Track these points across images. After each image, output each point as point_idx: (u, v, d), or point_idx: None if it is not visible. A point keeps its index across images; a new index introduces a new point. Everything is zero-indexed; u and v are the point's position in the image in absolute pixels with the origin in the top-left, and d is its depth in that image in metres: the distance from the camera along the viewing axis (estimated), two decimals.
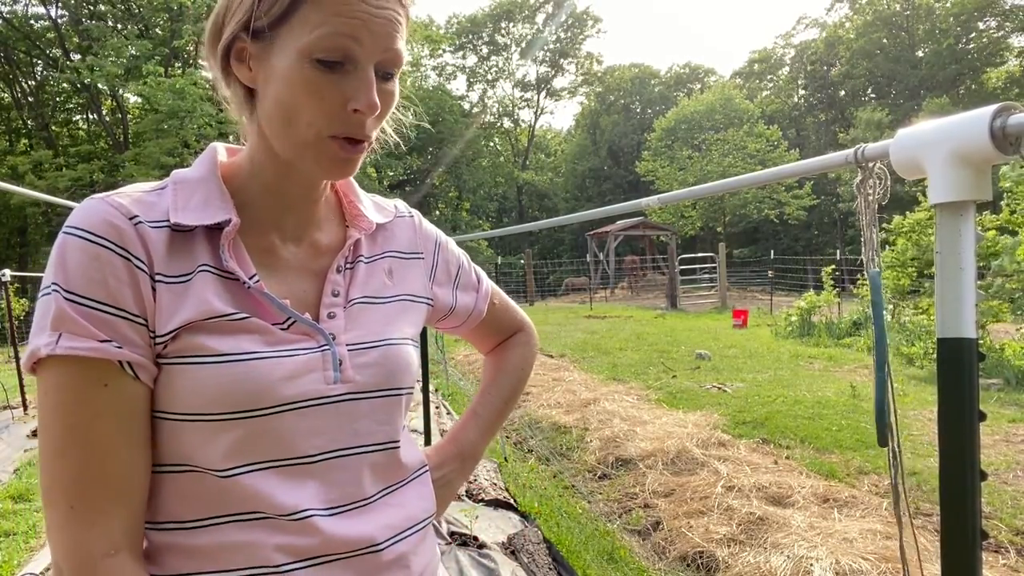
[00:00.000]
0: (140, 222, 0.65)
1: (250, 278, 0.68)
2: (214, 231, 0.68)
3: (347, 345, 0.72)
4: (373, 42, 0.65)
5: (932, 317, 8.54)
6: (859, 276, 11.55)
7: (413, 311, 0.83)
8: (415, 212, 0.92)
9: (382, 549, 0.73)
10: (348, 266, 0.78)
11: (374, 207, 0.84)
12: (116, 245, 0.62)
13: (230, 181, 0.72)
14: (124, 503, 0.63)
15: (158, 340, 0.64)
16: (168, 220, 0.66)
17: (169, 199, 0.68)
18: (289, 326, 0.69)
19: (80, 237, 0.62)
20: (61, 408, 0.61)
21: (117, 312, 0.62)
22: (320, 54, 0.63)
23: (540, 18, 43.91)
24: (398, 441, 0.77)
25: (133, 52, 22.18)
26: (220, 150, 0.76)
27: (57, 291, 0.61)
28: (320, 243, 0.77)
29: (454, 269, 0.93)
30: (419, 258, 0.87)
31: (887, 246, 9.33)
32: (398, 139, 0.85)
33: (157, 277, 0.64)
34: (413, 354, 0.79)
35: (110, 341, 0.61)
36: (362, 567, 0.71)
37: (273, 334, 0.67)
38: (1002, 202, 7.72)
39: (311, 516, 0.67)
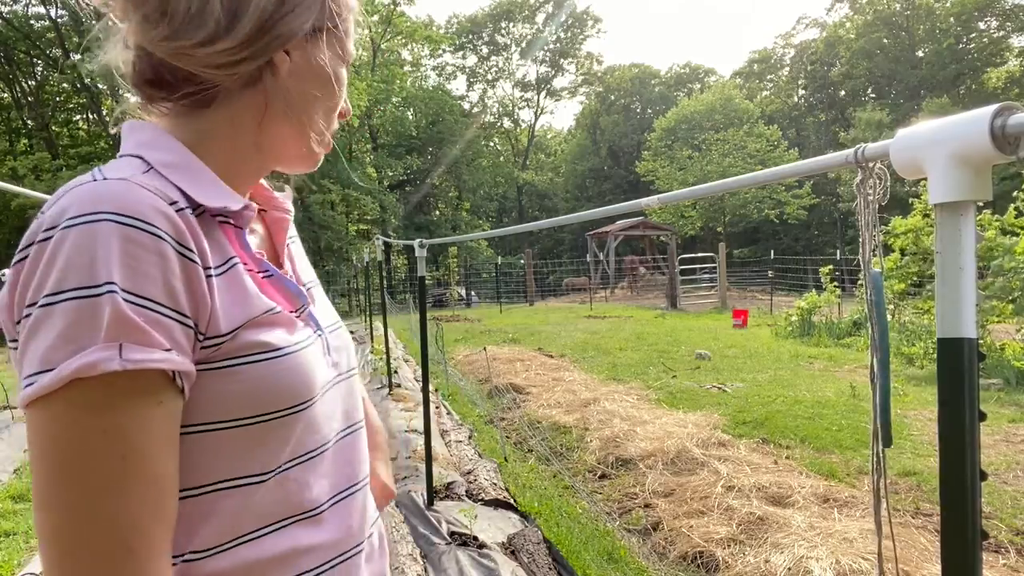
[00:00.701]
0: (181, 208, 0.57)
1: (271, 266, 0.68)
2: (219, 220, 0.63)
3: (325, 329, 0.73)
4: None
5: (931, 318, 8.54)
6: (859, 276, 11.55)
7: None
8: None
9: (377, 522, 0.76)
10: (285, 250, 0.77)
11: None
12: (169, 235, 0.54)
13: None
14: (171, 537, 0.55)
15: (211, 343, 0.57)
16: (189, 207, 0.59)
17: (171, 183, 0.60)
18: (301, 314, 0.69)
19: (133, 226, 0.52)
20: (113, 435, 0.50)
21: (173, 315, 0.54)
22: (351, 59, 0.71)
23: (540, 18, 43.99)
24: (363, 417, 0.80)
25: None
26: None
27: (114, 292, 0.50)
28: (256, 230, 0.74)
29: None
30: (296, 240, 0.86)
31: (889, 251, 9.33)
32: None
33: (209, 271, 0.58)
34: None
35: (171, 350, 0.53)
36: (376, 542, 0.74)
37: (295, 324, 0.66)
38: (1015, 202, 7.73)
39: (335, 503, 0.68)
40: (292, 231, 0.80)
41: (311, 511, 0.65)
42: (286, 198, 0.79)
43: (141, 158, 0.61)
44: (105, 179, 0.55)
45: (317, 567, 0.65)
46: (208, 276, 0.57)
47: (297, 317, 0.67)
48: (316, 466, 0.66)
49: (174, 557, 0.58)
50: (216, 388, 0.57)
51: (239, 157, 0.67)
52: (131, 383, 0.51)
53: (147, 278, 0.52)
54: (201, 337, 0.56)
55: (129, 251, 0.51)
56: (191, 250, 0.56)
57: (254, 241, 0.70)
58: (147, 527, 0.52)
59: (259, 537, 0.61)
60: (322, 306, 0.76)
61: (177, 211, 0.56)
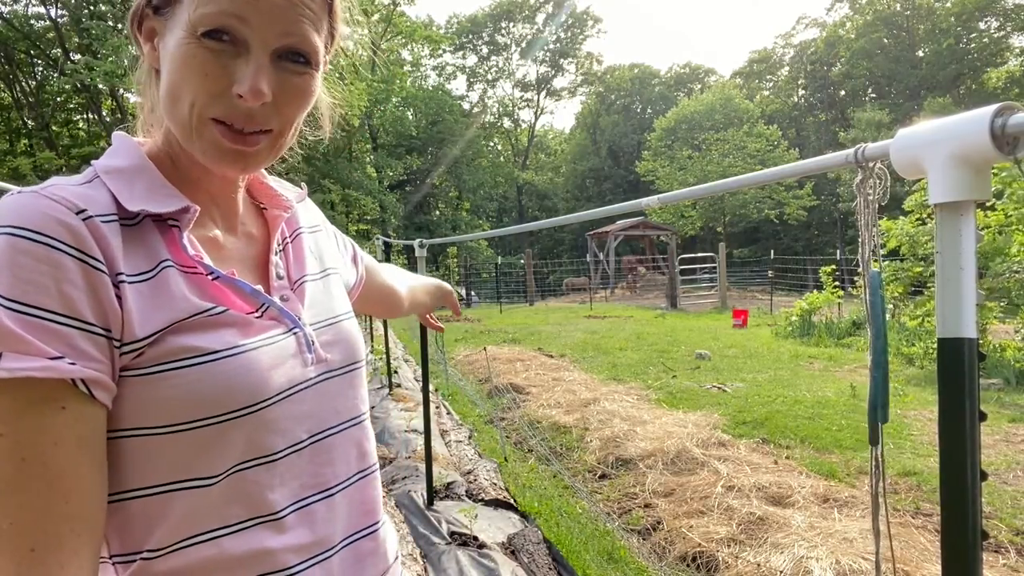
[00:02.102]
0: (89, 216, 0.57)
1: (214, 267, 0.66)
2: (163, 224, 0.64)
3: (311, 325, 0.72)
4: (265, 24, 0.61)
5: (924, 323, 8.53)
6: (858, 276, 11.52)
7: (339, 284, 0.84)
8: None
9: (369, 534, 0.74)
10: (280, 248, 0.77)
11: (280, 186, 0.82)
12: (67, 244, 0.55)
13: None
14: (90, 538, 0.55)
15: (129, 348, 0.57)
16: (115, 213, 0.60)
17: (107, 190, 0.62)
18: (262, 313, 0.67)
19: (21, 237, 0.53)
20: (11, 439, 0.52)
21: (71, 322, 0.54)
22: (203, 28, 0.59)
23: (540, 18, 43.99)
24: (367, 412, 0.78)
25: (133, 52, 22.17)
26: (134, 139, 0.70)
27: None
28: (249, 230, 0.75)
29: (342, 240, 0.94)
30: (322, 231, 0.87)
31: (893, 256, 9.33)
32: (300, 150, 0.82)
33: (120, 277, 0.58)
34: (357, 327, 0.80)
35: (62, 357, 0.53)
36: (349, 556, 0.71)
37: (251, 324, 0.65)
38: (999, 202, 7.70)
39: (300, 507, 0.66)
40: (309, 223, 0.83)
41: (272, 514, 0.64)
42: (294, 196, 0.81)
43: (93, 167, 0.64)
44: (20, 192, 0.57)
45: (280, 570, 0.64)
46: (120, 282, 0.58)
47: (257, 317, 0.66)
48: (277, 468, 0.64)
49: (131, 555, 0.60)
50: (149, 394, 0.58)
51: (189, 158, 0.67)
52: (25, 390, 0.52)
53: (35, 287, 0.53)
54: (117, 343, 0.57)
55: (16, 261, 0.53)
56: (95, 258, 0.56)
57: (235, 242, 0.72)
58: (50, 527, 0.52)
59: (217, 537, 0.61)
60: (318, 301, 0.75)
61: (85, 219, 0.57)
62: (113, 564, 0.61)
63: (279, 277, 0.73)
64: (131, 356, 0.58)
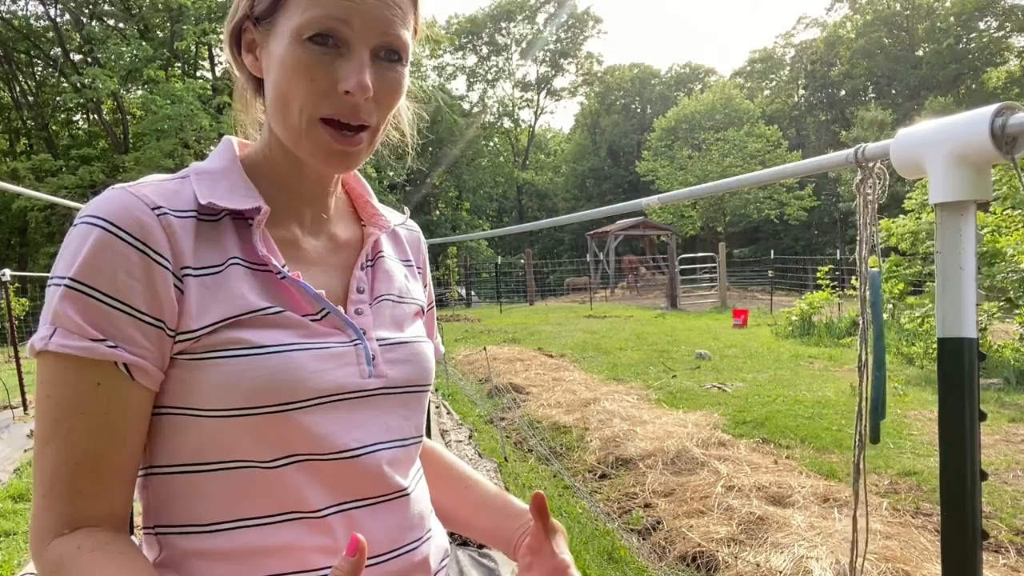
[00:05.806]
0: (165, 212, 0.63)
1: (283, 267, 0.67)
2: (240, 222, 0.68)
3: (377, 341, 0.72)
4: (366, 24, 0.64)
5: (925, 323, 8.53)
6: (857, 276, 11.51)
7: (419, 318, 0.84)
8: (419, 230, 0.94)
9: (413, 548, 0.72)
10: (369, 263, 0.78)
11: (385, 210, 0.85)
12: (134, 238, 0.60)
13: (248, 174, 0.72)
14: (99, 492, 0.62)
15: (185, 337, 0.62)
16: (195, 210, 0.65)
17: (192, 188, 0.67)
18: (322, 318, 0.69)
19: (96, 226, 0.60)
20: (50, 401, 0.60)
21: (122, 308, 0.60)
22: (309, 32, 0.63)
23: (540, 18, 43.99)
24: (422, 436, 0.78)
25: (134, 53, 22.18)
26: (235, 143, 0.75)
27: (62, 283, 0.59)
28: (338, 237, 0.77)
29: (429, 304, 0.92)
30: (421, 273, 0.88)
31: (890, 251, 9.33)
32: (405, 139, 0.84)
33: (184, 271, 0.63)
34: (432, 352, 0.81)
35: (103, 340, 0.59)
36: (394, 568, 0.70)
37: (308, 327, 0.67)
38: (995, 203, 7.70)
39: (341, 511, 0.66)
40: (394, 252, 0.84)
41: (311, 512, 0.65)
42: (395, 218, 0.85)
43: (190, 167, 0.71)
44: (113, 188, 0.64)
45: (319, 569, 0.64)
46: (185, 275, 0.63)
47: (315, 320, 0.68)
48: (319, 469, 0.65)
49: (171, 528, 0.65)
50: (197, 377, 0.62)
51: (283, 162, 0.72)
52: (69, 363, 0.59)
53: (98, 272, 0.59)
54: (172, 333, 0.62)
55: (86, 247, 0.59)
56: (159, 253, 0.61)
57: (318, 246, 0.75)
58: (69, 474, 0.60)
59: (260, 525, 0.64)
60: (394, 320, 0.76)
61: (160, 215, 0.62)
62: (156, 536, 0.66)
63: (359, 291, 0.75)
64: (187, 343, 0.62)
